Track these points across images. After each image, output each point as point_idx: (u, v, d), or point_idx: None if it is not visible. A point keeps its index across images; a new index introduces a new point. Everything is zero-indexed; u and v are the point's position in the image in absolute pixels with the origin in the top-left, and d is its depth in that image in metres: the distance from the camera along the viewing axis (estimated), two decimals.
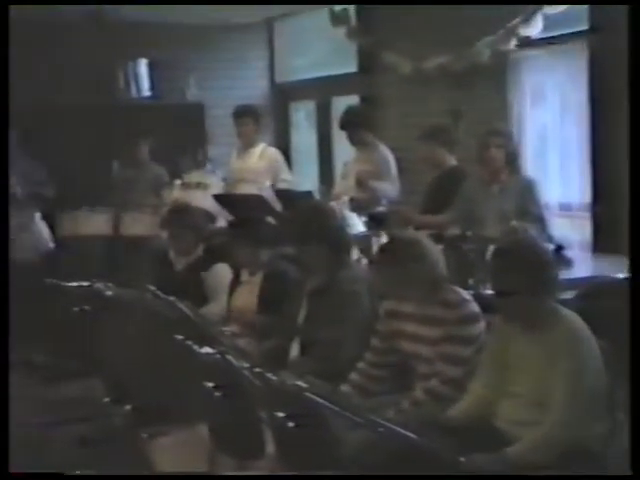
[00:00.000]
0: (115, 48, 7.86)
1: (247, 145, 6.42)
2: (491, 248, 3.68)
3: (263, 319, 4.26)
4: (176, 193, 6.43)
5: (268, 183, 6.16)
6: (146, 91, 8.30)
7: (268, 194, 5.84)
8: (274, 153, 6.49)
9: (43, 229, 6.64)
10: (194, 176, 6.52)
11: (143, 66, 8.27)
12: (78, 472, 3.80)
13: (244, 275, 4.52)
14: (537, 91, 5.96)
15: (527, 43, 5.77)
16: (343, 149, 7.13)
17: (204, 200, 5.97)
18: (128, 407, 3.69)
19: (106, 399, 3.88)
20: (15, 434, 4.21)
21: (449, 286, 3.33)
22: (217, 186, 6.34)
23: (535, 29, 5.63)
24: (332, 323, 3.61)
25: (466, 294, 3.32)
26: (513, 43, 5.80)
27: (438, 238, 4.11)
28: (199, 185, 6.40)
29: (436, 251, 3.41)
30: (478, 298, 3.36)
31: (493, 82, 6.07)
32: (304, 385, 2.59)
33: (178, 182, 6.54)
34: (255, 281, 4.41)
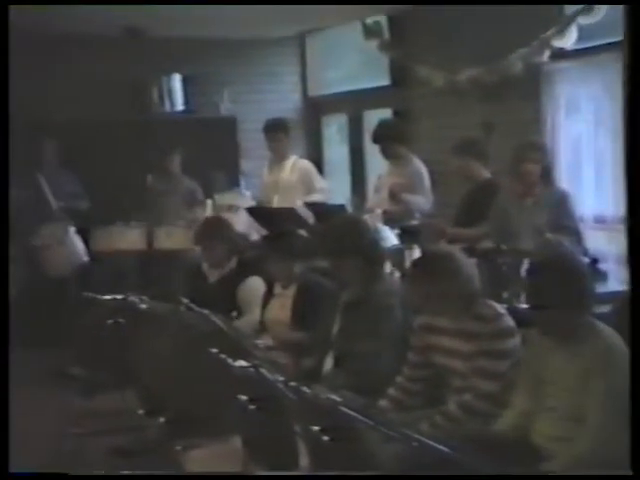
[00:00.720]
0: (149, 63, 7.93)
1: (279, 158, 6.45)
2: (525, 261, 3.66)
3: (296, 332, 4.26)
4: (208, 213, 6.47)
5: (301, 196, 6.18)
6: (180, 105, 8.37)
7: (301, 207, 5.86)
8: (305, 165, 6.52)
9: (78, 243, 6.70)
10: (226, 198, 6.58)
11: (177, 81, 8.34)
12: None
13: (277, 288, 4.53)
14: (571, 103, 5.92)
15: (561, 55, 5.73)
16: (375, 162, 7.13)
17: (236, 222, 5.99)
18: (162, 419, 3.70)
19: (140, 411, 3.90)
20: (51, 444, 4.28)
21: (483, 300, 3.30)
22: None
23: (569, 41, 5.59)
24: (366, 337, 3.61)
25: (501, 308, 3.30)
26: (546, 55, 5.76)
27: (471, 251, 4.09)
28: (230, 208, 6.44)
29: (470, 265, 3.39)
30: (512, 312, 3.34)
31: (526, 94, 6.04)
32: (338, 399, 2.59)
33: (210, 202, 6.59)
34: (288, 294, 4.42)
